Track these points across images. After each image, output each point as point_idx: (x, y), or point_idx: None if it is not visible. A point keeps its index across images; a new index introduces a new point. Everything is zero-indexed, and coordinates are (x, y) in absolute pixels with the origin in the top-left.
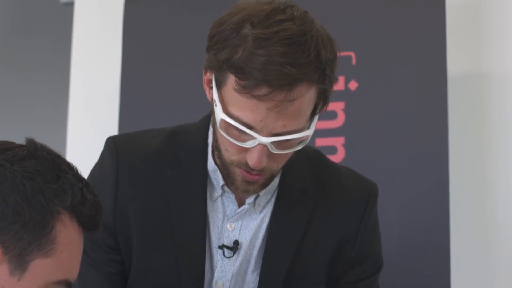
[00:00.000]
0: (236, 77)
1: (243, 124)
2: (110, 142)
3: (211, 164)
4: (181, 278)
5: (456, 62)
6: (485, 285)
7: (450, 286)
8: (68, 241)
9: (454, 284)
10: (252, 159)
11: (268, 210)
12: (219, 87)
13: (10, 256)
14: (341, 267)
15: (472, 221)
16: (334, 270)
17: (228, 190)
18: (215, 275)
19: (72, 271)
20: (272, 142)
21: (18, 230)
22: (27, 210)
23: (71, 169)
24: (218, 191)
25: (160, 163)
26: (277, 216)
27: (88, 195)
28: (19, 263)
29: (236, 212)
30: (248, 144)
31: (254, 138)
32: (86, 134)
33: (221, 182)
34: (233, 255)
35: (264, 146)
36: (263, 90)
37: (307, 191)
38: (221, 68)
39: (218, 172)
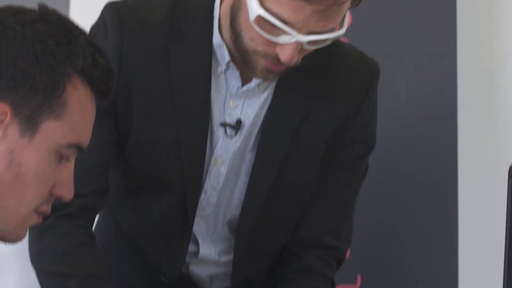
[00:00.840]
0: None
1: (282, 21)
2: (112, 9)
3: (217, 38)
4: (182, 153)
5: None
6: (491, 156)
7: (457, 159)
8: (80, 105)
9: (461, 159)
10: (284, 55)
11: (272, 90)
12: None
13: (20, 118)
14: (336, 148)
15: (480, 93)
16: (328, 151)
17: (234, 66)
18: (215, 152)
19: (84, 135)
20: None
21: (28, 92)
22: (37, 72)
23: (82, 34)
24: (223, 67)
25: (163, 35)
26: (280, 96)
27: (100, 60)
28: (29, 125)
29: (240, 90)
30: (282, 39)
31: (290, 34)
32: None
33: (227, 58)
34: (236, 135)
35: (299, 43)
36: None
37: (310, 71)
38: None
39: (225, 48)
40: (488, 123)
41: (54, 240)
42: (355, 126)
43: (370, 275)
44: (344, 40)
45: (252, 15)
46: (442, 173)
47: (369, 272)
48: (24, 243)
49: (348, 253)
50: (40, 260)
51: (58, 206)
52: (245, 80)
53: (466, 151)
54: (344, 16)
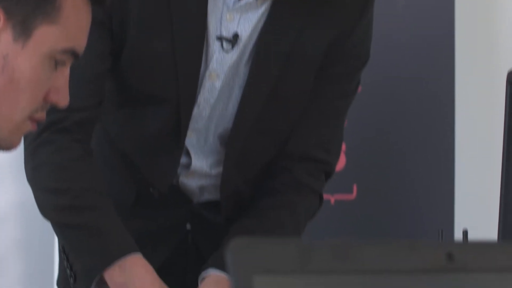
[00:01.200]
0: None
1: None
2: None
3: None
4: (177, 65)
5: None
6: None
7: (455, 66)
8: (75, 10)
9: (458, 65)
10: None
11: (269, 4)
12: None
13: (13, 22)
14: (330, 61)
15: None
16: (322, 65)
17: None
18: (210, 66)
19: (79, 41)
20: None
21: None
22: None
23: None
24: None
25: None
26: (277, 10)
27: None
28: (23, 30)
29: (238, 3)
30: None
31: None
32: None
33: None
34: (232, 49)
35: None
36: None
37: None
38: None
39: None
40: (486, 27)
41: (50, 155)
42: (350, 41)
43: (366, 185)
44: None
45: None
46: (439, 80)
47: (365, 182)
48: (20, 154)
49: (344, 163)
50: (35, 176)
51: (54, 120)
52: None
53: (464, 58)
54: None
